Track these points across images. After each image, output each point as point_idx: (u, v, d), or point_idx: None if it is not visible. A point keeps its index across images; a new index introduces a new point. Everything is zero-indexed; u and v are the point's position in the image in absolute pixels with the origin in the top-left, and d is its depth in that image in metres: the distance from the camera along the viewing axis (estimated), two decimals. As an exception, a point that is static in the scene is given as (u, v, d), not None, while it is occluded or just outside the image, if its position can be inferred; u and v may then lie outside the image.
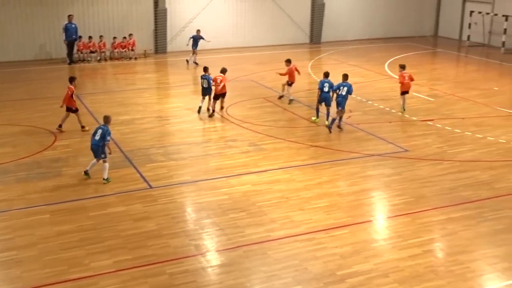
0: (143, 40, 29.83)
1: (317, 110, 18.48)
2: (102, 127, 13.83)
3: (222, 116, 19.08)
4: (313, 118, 18.56)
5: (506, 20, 31.84)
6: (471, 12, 34.35)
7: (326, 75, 18.22)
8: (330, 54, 31.03)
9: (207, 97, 19.35)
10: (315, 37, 34.33)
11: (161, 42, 30.29)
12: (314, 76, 25.45)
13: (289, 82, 20.77)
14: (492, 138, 17.12)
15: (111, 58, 28.71)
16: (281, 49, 31.64)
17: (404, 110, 19.68)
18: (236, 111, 19.68)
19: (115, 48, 28.73)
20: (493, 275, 9.96)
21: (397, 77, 20.65)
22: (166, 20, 30.21)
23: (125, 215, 12.00)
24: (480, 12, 33.99)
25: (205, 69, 19.54)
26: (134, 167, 14.64)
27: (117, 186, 13.45)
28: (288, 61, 20.94)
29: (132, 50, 28.94)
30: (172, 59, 29.35)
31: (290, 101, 20.72)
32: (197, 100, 19.75)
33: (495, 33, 33.88)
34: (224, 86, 18.98)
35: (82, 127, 17.34)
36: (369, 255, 10.47)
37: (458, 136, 17.31)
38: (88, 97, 21.31)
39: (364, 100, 21.30)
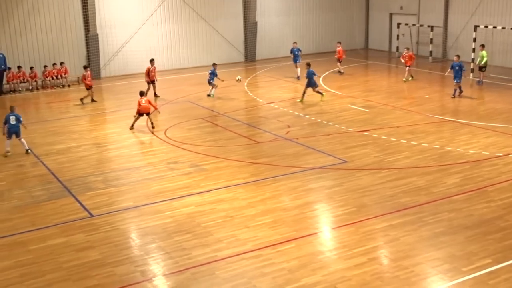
0: (76, 67, 29.31)
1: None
2: (12, 114, 17.54)
3: (161, 139, 18.93)
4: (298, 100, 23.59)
5: (432, 30, 33.11)
6: (398, 24, 35.55)
7: (309, 64, 23.85)
8: (266, 71, 31.36)
9: None
10: (249, 56, 34.67)
11: (94, 68, 29.79)
12: (251, 94, 25.63)
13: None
14: (426, 145, 17.66)
15: (43, 87, 28.06)
16: (217, 68, 31.75)
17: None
18: (175, 133, 19.57)
19: (47, 77, 28.12)
20: (436, 277, 10.20)
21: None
22: (98, 46, 29.82)
23: (66, 246, 11.66)
24: (406, 24, 35.21)
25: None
26: (73, 196, 14.27)
27: (56, 217, 13.06)
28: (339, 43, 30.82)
29: (65, 77, 28.42)
30: (107, 84, 28.94)
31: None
32: (129, 123, 19.84)
33: (422, 43, 35.18)
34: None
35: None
36: (316, 267, 10.54)
37: (394, 145, 17.76)
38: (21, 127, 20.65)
39: (301, 115, 21.59)
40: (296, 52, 29.14)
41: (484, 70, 26.58)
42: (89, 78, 24.69)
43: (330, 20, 37.47)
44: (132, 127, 20.16)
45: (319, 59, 34.56)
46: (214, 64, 25.91)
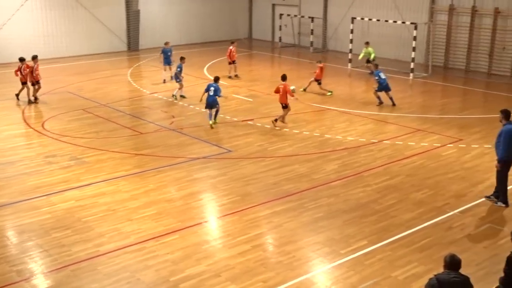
0: None
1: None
2: None
3: (39, 132, 18.06)
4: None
5: (312, 21, 34.14)
6: (281, 14, 36.32)
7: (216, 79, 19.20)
8: (149, 61, 30.84)
9: None
10: (132, 45, 33.93)
11: (-37, 56, 27.90)
12: (134, 84, 25.10)
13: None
14: (308, 133, 18.20)
15: None
16: (98, 58, 30.87)
17: None
18: (53, 125, 18.74)
19: None
20: (317, 260, 10.57)
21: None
22: (-33, 33, 27.91)
23: None
24: (289, 15, 36.05)
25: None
26: None
27: None
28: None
29: None
30: (-22, 74, 27.16)
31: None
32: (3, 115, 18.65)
33: (303, 34, 36.17)
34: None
35: None
36: (201, 257, 10.55)
37: (277, 133, 18.14)
38: None
39: (186, 104, 21.47)
40: (168, 53, 25.24)
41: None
42: (37, 72, 21.75)
43: (214, 9, 37.49)
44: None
45: (203, 49, 34.59)
46: (182, 58, 22.57)
